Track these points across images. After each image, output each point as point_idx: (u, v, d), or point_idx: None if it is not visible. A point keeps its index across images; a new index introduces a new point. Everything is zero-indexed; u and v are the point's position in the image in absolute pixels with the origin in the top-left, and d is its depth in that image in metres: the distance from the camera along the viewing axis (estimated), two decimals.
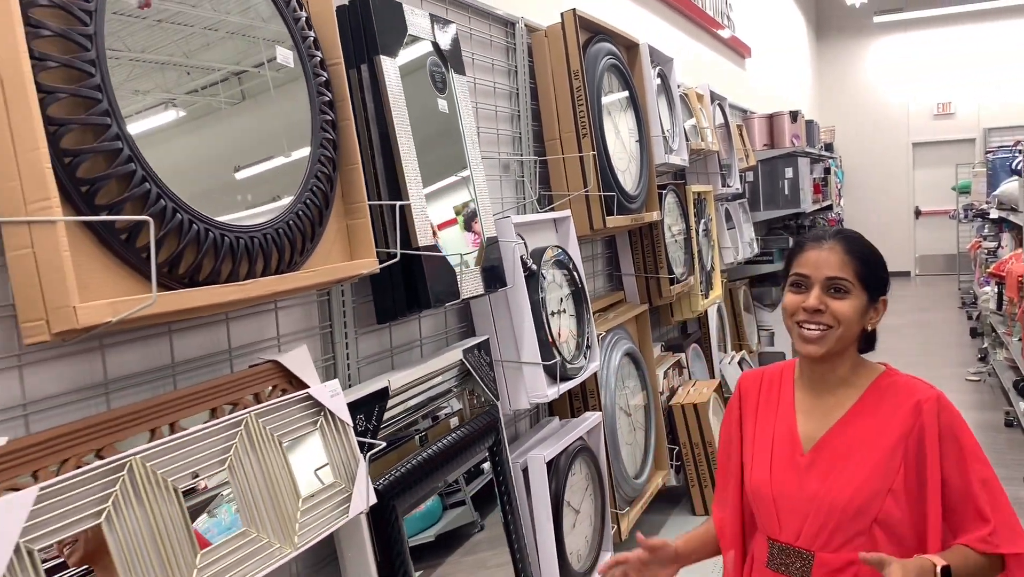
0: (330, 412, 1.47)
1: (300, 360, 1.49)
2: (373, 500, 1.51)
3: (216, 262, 1.25)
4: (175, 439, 1.20)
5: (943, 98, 13.16)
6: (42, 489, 1.01)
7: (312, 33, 1.53)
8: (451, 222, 1.94)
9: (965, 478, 1.36)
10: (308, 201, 1.46)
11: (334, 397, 1.49)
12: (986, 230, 6.77)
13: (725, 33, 6.35)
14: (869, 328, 1.46)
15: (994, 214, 5.61)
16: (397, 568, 1.65)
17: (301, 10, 1.52)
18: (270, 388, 1.44)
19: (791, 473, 1.43)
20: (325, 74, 1.55)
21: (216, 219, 1.25)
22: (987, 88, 12.76)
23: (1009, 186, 4.79)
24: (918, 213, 12.98)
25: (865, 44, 13.53)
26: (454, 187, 1.99)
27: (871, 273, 1.43)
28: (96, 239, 1.12)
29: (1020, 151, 4.39)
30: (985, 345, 6.58)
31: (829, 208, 8.27)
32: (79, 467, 1.08)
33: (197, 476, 1.22)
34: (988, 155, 6.18)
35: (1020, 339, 4.27)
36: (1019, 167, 4.30)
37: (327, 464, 1.44)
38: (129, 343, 1.32)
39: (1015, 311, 4.51)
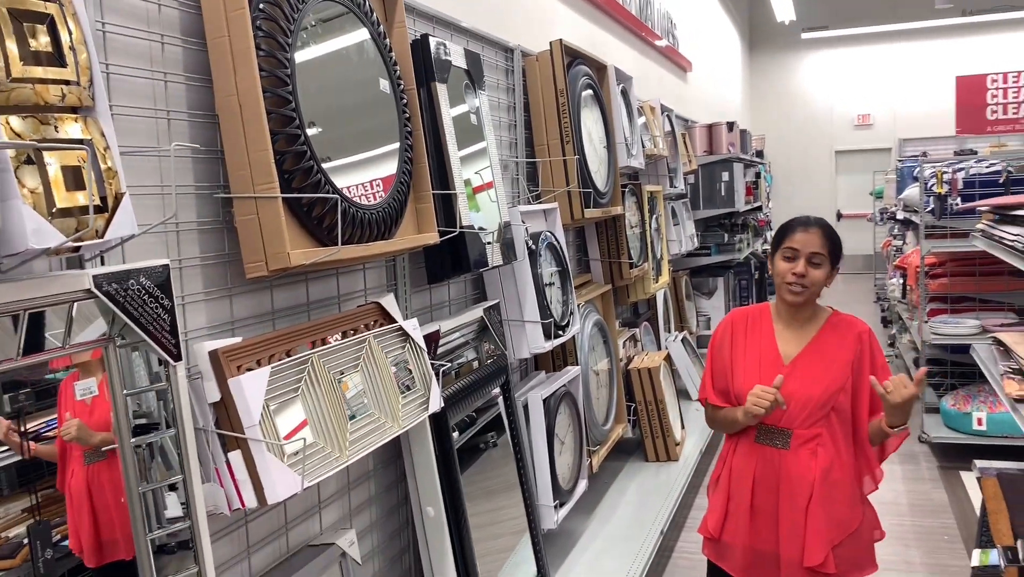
0: (414, 340, 2.06)
1: (391, 304, 2.07)
2: (441, 404, 2.10)
3: (352, 229, 1.83)
4: (331, 347, 1.77)
5: (863, 110, 14.24)
6: (273, 368, 1.58)
7: (398, 68, 2.11)
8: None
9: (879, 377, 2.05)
10: (399, 190, 2.04)
11: (415, 331, 2.08)
12: (896, 230, 7.63)
13: (665, 45, 7.04)
14: (827, 286, 2.16)
15: (901, 216, 6.44)
16: (449, 459, 2.24)
17: (390, 52, 2.09)
18: (373, 321, 2.01)
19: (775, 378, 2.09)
20: (405, 97, 2.13)
21: (354, 199, 1.83)
22: (902, 102, 13.86)
23: (911, 191, 5.58)
24: (839, 216, 13.99)
25: (793, 59, 14.52)
26: (474, 179, 2.58)
27: (836, 250, 2.14)
28: (288, 210, 1.68)
29: (920, 161, 5.17)
30: (894, 332, 7.44)
31: (759, 209, 9.08)
32: (281, 360, 1.65)
33: (343, 373, 1.79)
34: (898, 163, 7.01)
35: (917, 321, 5.04)
36: (918, 174, 5.07)
37: (413, 376, 2.03)
38: (284, 286, 1.89)
39: (914, 297, 5.29)
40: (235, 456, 1.52)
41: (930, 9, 12.81)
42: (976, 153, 6.05)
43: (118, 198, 1.25)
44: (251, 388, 1.51)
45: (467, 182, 2.53)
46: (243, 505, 1.53)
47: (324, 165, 1.74)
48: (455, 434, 2.47)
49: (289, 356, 1.69)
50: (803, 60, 14.50)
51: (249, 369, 1.58)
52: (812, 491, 2.06)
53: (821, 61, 14.39)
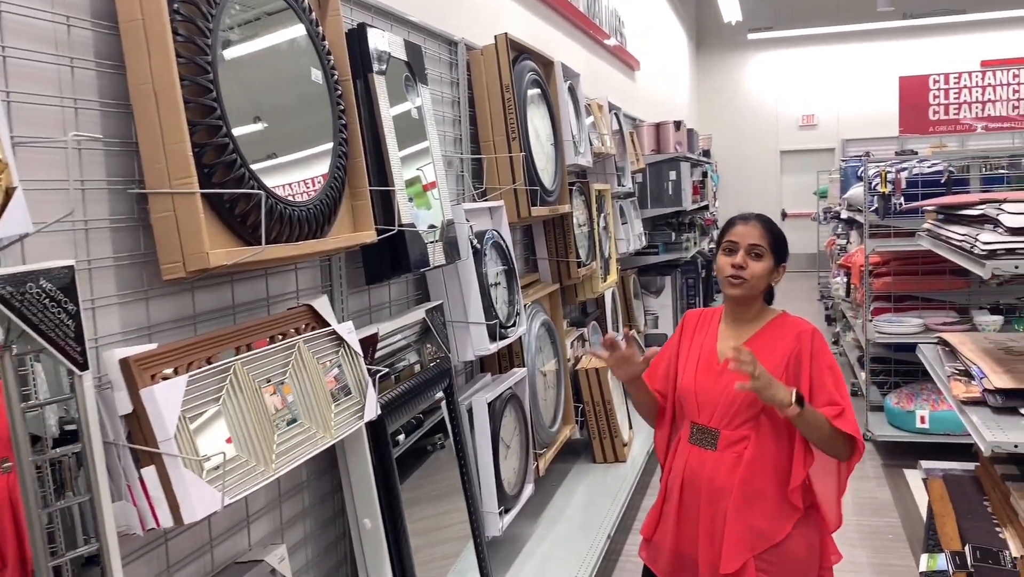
0: (348, 345, 1.96)
1: (324, 306, 1.96)
2: (378, 411, 2.00)
3: (280, 227, 1.72)
4: (256, 353, 1.66)
5: (808, 111, 14.44)
6: (190, 377, 1.47)
7: (332, 59, 2.01)
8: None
9: (823, 382, 1.98)
10: (332, 186, 1.94)
11: (350, 334, 1.97)
12: (839, 229, 7.72)
13: (613, 43, 7.02)
14: (773, 284, 2.10)
15: (844, 215, 6.49)
16: (388, 468, 2.15)
17: (323, 41, 1.99)
18: (304, 325, 1.91)
19: (709, 377, 2.04)
20: (340, 88, 2.03)
21: (284, 196, 1.72)
22: (846, 103, 14.10)
23: (855, 190, 5.62)
24: (784, 215, 14.17)
25: (740, 59, 14.67)
26: (421, 176, 2.48)
27: (778, 245, 2.08)
28: (209, 206, 1.57)
29: (864, 161, 5.21)
30: (837, 329, 7.52)
31: (705, 208, 9.12)
32: (200, 368, 1.54)
33: (269, 380, 1.69)
34: (842, 163, 7.08)
35: (861, 319, 5.08)
36: (862, 174, 5.11)
37: (347, 383, 1.93)
38: (207, 288, 1.77)
39: (858, 296, 5.33)
40: (149, 472, 1.41)
41: (872, 12, 13.04)
42: (917, 153, 6.14)
43: (9, 193, 1.14)
44: (165, 399, 1.40)
45: (416, 179, 2.44)
46: (158, 524, 1.42)
47: (249, 159, 1.63)
48: (401, 437, 2.37)
49: (210, 363, 1.58)
50: (749, 60, 14.66)
51: (164, 378, 1.46)
52: (732, 495, 2.00)
53: (767, 62, 14.56)
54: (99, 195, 1.52)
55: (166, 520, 1.41)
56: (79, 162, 1.47)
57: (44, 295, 1.27)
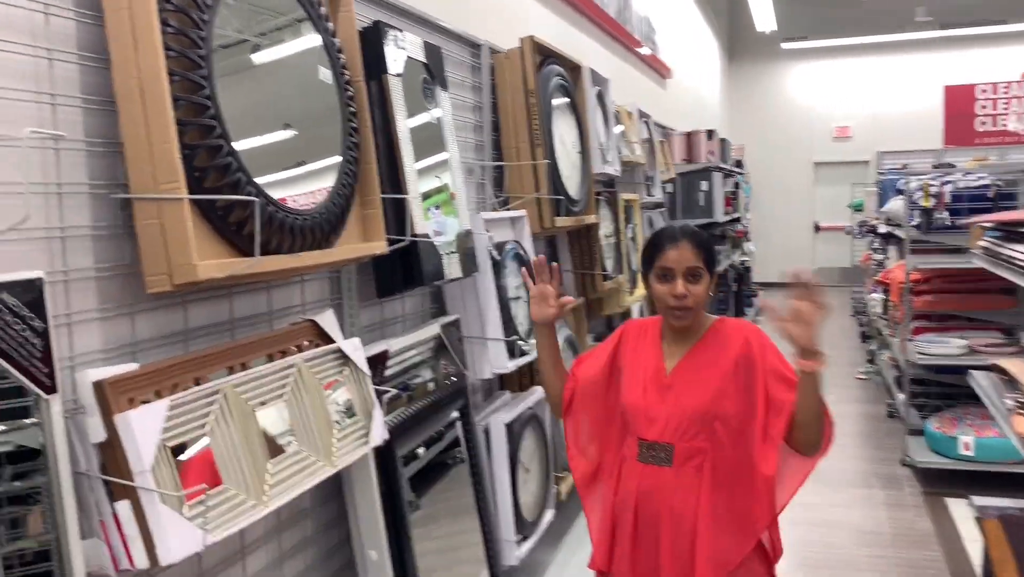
0: (354, 364, 1.82)
1: (330, 321, 1.82)
2: (386, 435, 1.86)
3: (281, 236, 1.59)
4: (250, 374, 1.53)
5: (842, 122, 14.13)
6: (172, 401, 1.33)
7: (343, 58, 1.87)
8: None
9: (781, 371, 1.83)
10: (340, 193, 1.80)
11: (356, 352, 1.84)
12: (876, 244, 7.47)
13: (644, 50, 6.86)
14: (712, 294, 1.94)
15: (882, 229, 6.27)
16: (396, 496, 2.00)
17: (334, 38, 1.86)
18: (307, 342, 1.77)
19: (657, 391, 1.87)
20: (351, 89, 1.89)
21: (283, 203, 1.59)
22: (881, 114, 13.78)
23: (895, 204, 5.41)
24: (817, 228, 13.88)
25: (773, 69, 14.41)
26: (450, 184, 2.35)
27: (711, 258, 1.91)
28: (200, 214, 1.44)
29: (905, 174, 5.01)
30: (873, 347, 7.27)
31: (738, 220, 8.91)
32: (185, 392, 1.40)
33: (264, 404, 1.55)
34: (879, 176, 6.85)
35: (900, 338, 4.86)
36: (902, 187, 4.90)
37: (352, 404, 1.78)
38: (201, 301, 1.64)
39: (897, 314, 5.12)
40: (123, 506, 1.28)
41: (909, 22, 12.76)
42: (955, 167, 5.91)
43: None
44: (142, 426, 1.27)
45: (444, 187, 2.32)
46: (132, 565, 1.28)
47: (247, 163, 1.50)
48: (420, 450, 2.22)
49: (199, 385, 1.45)
50: (783, 70, 14.39)
51: (145, 402, 1.33)
52: (698, 512, 1.84)
53: (801, 72, 14.29)
54: (79, 200, 1.39)
55: (141, 560, 1.28)
56: (57, 163, 1.34)
57: (6, 311, 1.14)
